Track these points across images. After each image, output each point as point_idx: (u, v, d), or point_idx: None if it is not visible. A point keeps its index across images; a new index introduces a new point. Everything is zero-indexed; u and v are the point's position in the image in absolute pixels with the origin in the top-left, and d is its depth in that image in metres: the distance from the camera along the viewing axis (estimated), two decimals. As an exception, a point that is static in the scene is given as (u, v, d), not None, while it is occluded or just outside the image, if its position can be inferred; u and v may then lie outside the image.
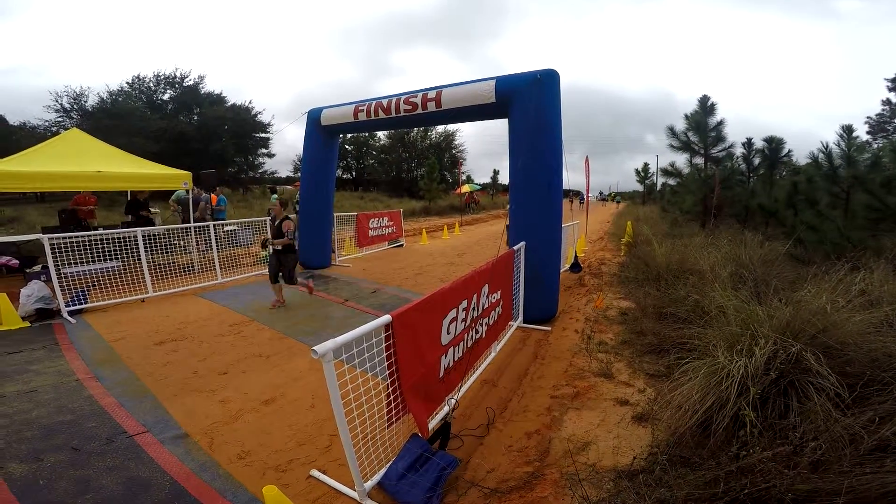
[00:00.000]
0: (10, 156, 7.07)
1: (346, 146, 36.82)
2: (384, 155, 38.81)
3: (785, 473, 1.73)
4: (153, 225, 8.72)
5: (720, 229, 7.88)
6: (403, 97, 6.68)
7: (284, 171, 33.27)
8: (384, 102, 6.95)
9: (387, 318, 2.36)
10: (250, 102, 31.39)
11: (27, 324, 5.33)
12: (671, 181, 11.49)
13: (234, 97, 30.44)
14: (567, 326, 5.26)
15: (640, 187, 37.54)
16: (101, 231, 6.61)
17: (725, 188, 9.05)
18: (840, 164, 6.62)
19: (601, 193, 72.02)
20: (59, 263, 5.77)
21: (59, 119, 24.39)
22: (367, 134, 36.28)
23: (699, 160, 10.00)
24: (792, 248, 5.88)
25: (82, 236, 6.07)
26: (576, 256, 8.60)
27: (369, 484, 2.35)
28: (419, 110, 6.52)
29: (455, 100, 6.11)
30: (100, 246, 6.19)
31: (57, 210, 9.62)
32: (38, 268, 6.82)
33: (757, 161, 9.45)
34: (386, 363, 2.44)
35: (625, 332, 4.81)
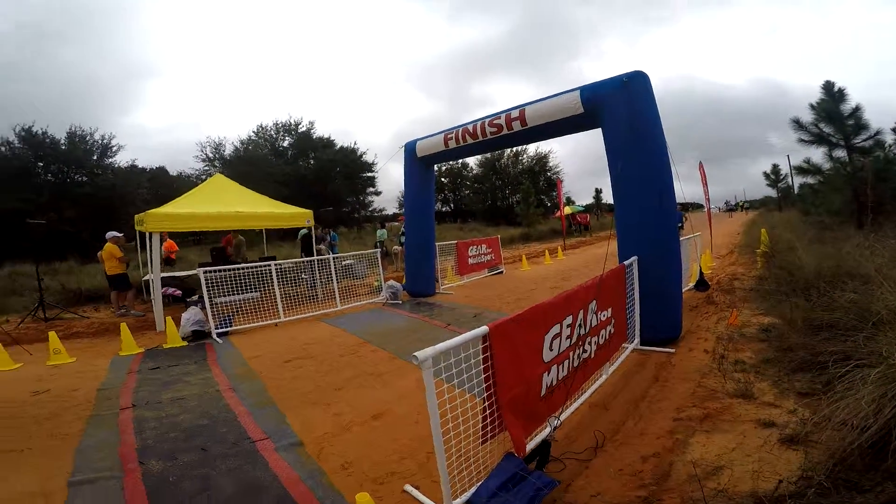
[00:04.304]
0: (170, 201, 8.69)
1: (442, 178, 37.73)
2: (478, 184, 39.12)
3: None
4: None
5: (883, 228, 6.44)
6: (488, 120, 6.77)
7: (391, 208, 35.42)
8: (470, 128, 7.12)
9: (484, 328, 2.33)
10: (355, 143, 33.44)
11: (185, 343, 6.38)
12: (809, 180, 9.80)
13: (341, 140, 33.05)
14: (694, 347, 4.64)
15: (771, 192, 32.56)
16: (242, 265, 7.72)
17: (881, 181, 7.45)
18: None
19: (727, 203, 64.33)
20: (212, 293, 6.88)
21: (206, 168, 27.75)
22: (459, 164, 37.13)
23: (840, 153, 8.41)
24: None
25: (229, 269, 7.25)
26: (701, 273, 7.67)
27: (458, 502, 2.27)
28: (505, 131, 6.51)
29: (540, 115, 5.96)
30: (243, 279, 7.31)
31: (209, 248, 11.59)
32: (195, 297, 8.16)
33: (918, 146, 7.68)
34: (483, 377, 2.37)
35: (768, 350, 4.10)
